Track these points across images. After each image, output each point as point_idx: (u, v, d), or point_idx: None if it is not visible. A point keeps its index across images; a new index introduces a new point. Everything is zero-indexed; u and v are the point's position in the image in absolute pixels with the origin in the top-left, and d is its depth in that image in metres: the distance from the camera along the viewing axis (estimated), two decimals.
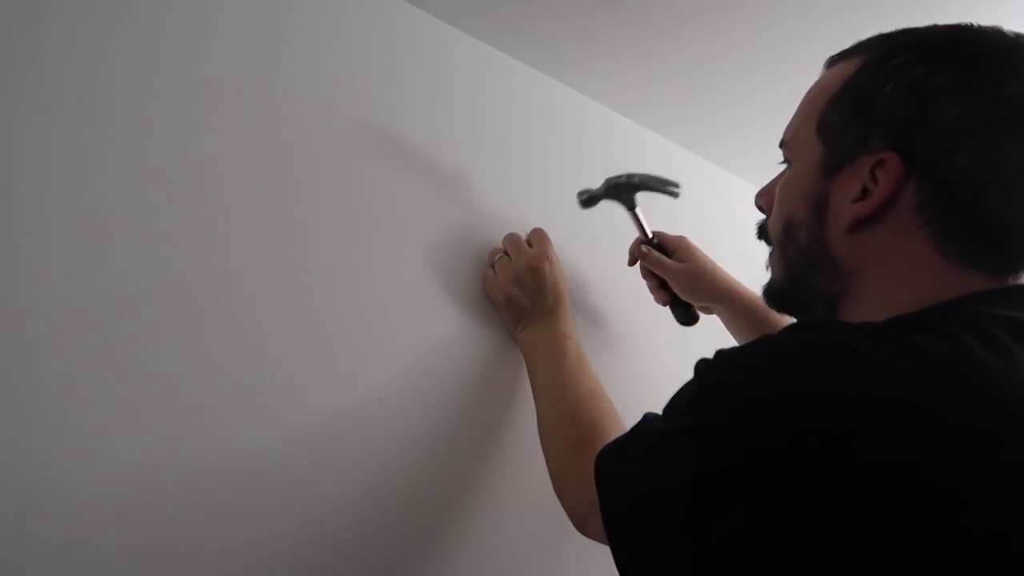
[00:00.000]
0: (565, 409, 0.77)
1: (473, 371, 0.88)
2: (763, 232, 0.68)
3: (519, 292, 0.86)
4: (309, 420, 0.72)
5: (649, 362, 1.08)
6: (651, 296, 1.00)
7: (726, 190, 1.37)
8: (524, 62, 1.02)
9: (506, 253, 0.89)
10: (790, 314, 0.69)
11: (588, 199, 0.96)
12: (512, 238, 0.90)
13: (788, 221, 0.61)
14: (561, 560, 0.92)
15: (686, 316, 0.98)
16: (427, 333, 0.84)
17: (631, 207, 0.95)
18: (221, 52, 0.73)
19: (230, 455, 0.67)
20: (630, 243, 0.99)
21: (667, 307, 1.00)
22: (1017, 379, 0.45)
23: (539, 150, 1.02)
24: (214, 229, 0.69)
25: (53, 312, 0.59)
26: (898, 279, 0.55)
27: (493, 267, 0.89)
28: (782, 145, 0.65)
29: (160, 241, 0.66)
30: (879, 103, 0.55)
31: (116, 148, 0.65)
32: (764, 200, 0.68)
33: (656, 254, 0.96)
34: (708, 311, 0.98)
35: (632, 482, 0.55)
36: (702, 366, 0.54)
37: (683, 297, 0.96)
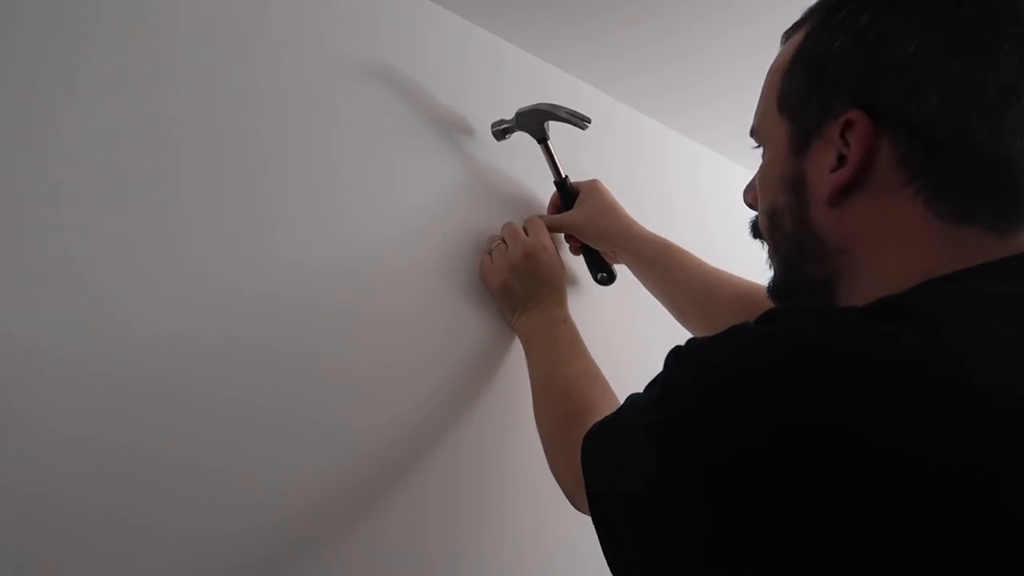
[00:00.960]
0: (558, 387, 0.78)
1: (469, 359, 0.88)
2: (756, 229, 0.64)
3: (515, 280, 0.87)
4: (303, 408, 0.73)
5: (647, 345, 1.08)
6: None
7: (724, 177, 1.37)
8: (514, 43, 1.01)
9: (503, 241, 0.90)
10: None
11: (500, 131, 0.93)
12: (509, 226, 0.91)
13: (771, 210, 0.58)
14: (561, 543, 0.93)
15: (595, 268, 0.98)
16: (423, 321, 0.84)
17: (542, 138, 0.92)
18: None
19: (230, 447, 0.68)
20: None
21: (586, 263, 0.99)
22: (1007, 367, 0.40)
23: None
24: (204, 216, 0.69)
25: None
26: (888, 253, 0.51)
27: (490, 254, 0.90)
28: (752, 133, 0.62)
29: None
30: (831, 62, 0.52)
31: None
32: (751, 196, 0.64)
33: (542, 220, 0.94)
34: (615, 258, 0.97)
35: (609, 473, 0.54)
36: (671, 359, 0.52)
37: (587, 242, 0.96)
